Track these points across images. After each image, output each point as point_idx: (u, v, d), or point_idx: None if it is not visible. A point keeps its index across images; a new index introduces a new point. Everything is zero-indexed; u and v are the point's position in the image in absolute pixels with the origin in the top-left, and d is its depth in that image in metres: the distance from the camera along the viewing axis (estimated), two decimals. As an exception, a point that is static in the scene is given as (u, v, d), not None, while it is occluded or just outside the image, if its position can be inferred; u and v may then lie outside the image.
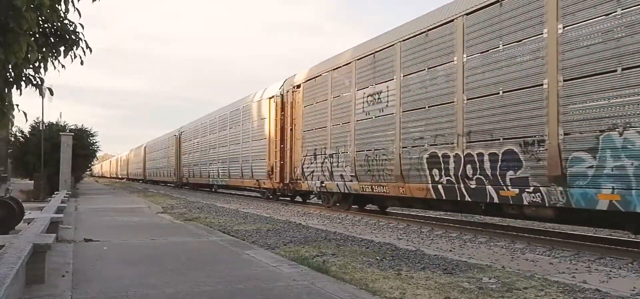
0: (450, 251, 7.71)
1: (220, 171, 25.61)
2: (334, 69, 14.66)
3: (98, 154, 34.48)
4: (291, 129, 17.45)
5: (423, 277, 5.56)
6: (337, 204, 14.96)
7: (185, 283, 5.09)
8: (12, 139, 25.91)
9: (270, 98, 19.25)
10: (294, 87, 17.35)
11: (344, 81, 14.07)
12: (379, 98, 12.41)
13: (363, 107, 13.07)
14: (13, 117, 5.32)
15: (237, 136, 23.15)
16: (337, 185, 14.21)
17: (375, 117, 12.53)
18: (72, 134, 24.20)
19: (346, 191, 13.95)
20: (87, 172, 57.51)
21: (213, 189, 29.81)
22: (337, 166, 14.23)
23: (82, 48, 5.34)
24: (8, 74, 4.85)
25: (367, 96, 12.89)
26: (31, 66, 4.96)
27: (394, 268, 6.06)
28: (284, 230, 9.91)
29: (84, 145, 26.84)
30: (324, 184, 14.97)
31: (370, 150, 12.69)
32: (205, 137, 28.90)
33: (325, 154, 14.93)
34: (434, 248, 7.92)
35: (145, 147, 51.72)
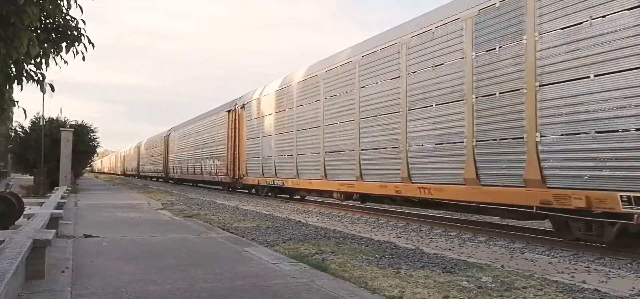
0: (450, 249, 7.72)
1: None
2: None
3: (98, 150, 34.46)
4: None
5: (422, 275, 5.57)
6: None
7: (185, 280, 5.10)
8: (13, 134, 25.90)
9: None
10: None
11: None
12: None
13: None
14: (12, 112, 5.32)
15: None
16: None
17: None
18: (73, 129, 24.20)
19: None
20: (87, 168, 57.77)
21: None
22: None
23: (84, 44, 5.33)
24: (9, 70, 4.84)
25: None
26: (32, 62, 4.96)
27: (393, 266, 6.07)
28: (284, 227, 9.92)
29: (84, 141, 26.83)
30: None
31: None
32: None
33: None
34: (433, 247, 7.93)
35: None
